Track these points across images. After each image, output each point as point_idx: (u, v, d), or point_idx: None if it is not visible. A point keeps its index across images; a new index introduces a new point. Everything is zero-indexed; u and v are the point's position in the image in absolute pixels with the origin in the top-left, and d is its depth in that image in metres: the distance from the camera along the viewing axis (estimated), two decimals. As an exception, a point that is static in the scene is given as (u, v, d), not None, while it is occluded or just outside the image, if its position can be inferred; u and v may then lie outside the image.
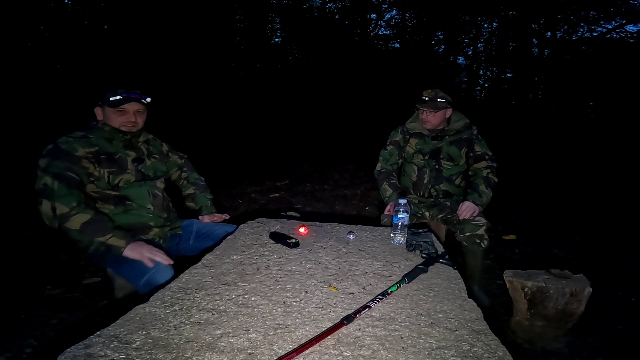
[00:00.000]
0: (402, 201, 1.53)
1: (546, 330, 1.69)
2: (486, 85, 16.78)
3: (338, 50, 13.07)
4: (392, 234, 1.58)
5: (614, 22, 12.60)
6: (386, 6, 15.05)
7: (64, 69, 8.40)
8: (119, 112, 1.55)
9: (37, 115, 6.19)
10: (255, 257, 1.37)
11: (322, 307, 1.04)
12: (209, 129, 7.74)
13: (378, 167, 2.27)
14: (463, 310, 1.06)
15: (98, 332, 0.89)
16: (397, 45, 15.45)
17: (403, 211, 1.53)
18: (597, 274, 2.20)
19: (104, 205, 1.50)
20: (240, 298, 1.08)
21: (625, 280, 2.42)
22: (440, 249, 1.53)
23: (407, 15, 14.92)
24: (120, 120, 1.55)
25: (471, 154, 2.14)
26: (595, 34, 13.17)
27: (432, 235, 1.65)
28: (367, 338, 0.90)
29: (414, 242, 1.53)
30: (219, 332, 0.91)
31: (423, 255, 1.43)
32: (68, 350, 0.82)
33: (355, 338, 0.90)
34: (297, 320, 0.97)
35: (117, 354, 0.81)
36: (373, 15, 15.00)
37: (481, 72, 16.71)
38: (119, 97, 1.54)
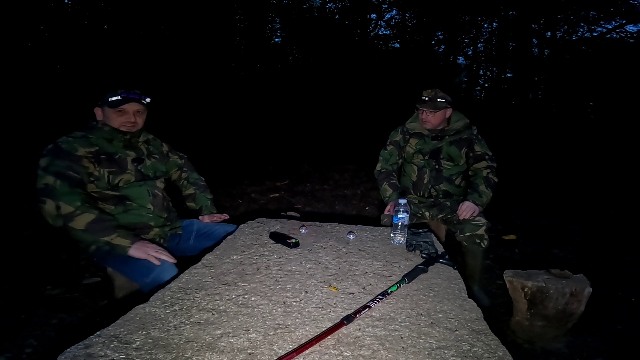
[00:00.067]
0: (402, 201, 1.53)
1: (546, 330, 1.69)
2: (486, 85, 16.80)
3: (338, 50, 13.07)
4: (392, 234, 1.58)
5: (614, 22, 12.63)
6: (386, 6, 15.07)
7: (64, 69, 8.40)
8: (119, 112, 1.55)
9: (37, 115, 6.19)
10: (255, 257, 1.37)
11: (322, 307, 1.04)
12: (209, 129, 7.75)
13: (378, 167, 2.27)
14: (463, 310, 1.06)
15: (98, 332, 0.89)
16: (397, 45, 15.48)
17: (403, 211, 1.53)
18: (597, 274, 2.20)
19: (104, 205, 1.51)
20: (240, 298, 1.08)
21: (625, 280, 2.42)
22: (440, 249, 1.53)
23: (407, 15, 14.93)
24: (119, 120, 1.55)
25: (471, 154, 2.14)
26: (595, 34, 13.19)
27: (432, 235, 1.65)
28: (367, 338, 0.90)
29: (414, 242, 1.53)
30: (219, 332, 0.91)
31: (423, 255, 1.43)
32: (68, 350, 0.82)
33: (355, 338, 0.90)
34: (297, 320, 0.97)
35: (117, 354, 0.81)
36: (373, 15, 15.03)
37: (481, 72, 16.74)
38: (118, 97, 1.54)
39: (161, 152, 1.79)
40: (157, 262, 1.39)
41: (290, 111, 10.38)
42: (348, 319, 0.96)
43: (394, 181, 2.17)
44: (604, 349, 1.72)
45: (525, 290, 1.63)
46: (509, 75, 15.74)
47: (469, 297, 1.15)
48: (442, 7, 13.38)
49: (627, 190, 4.92)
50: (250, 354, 0.82)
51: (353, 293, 1.13)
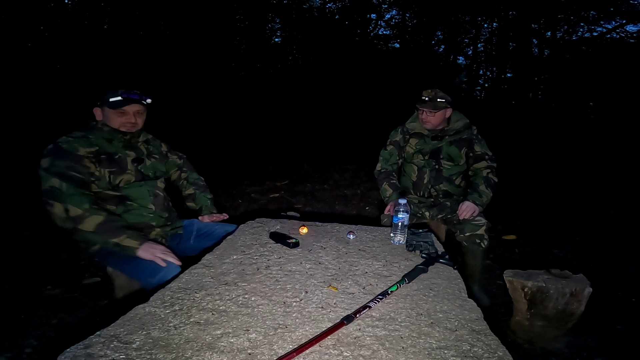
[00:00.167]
0: (402, 201, 1.53)
1: (546, 330, 1.69)
2: (486, 85, 16.80)
3: (338, 50, 13.07)
4: (392, 234, 1.58)
5: (614, 22, 12.62)
6: (386, 6, 15.06)
7: (64, 69, 8.40)
8: (119, 112, 1.55)
9: (37, 115, 6.19)
10: (255, 257, 1.37)
11: (322, 307, 1.04)
12: (209, 129, 7.75)
13: (378, 167, 2.27)
14: (463, 310, 1.06)
15: (98, 332, 0.89)
16: (397, 45, 15.47)
17: (403, 211, 1.53)
18: (597, 274, 2.20)
19: (105, 206, 1.51)
20: (240, 298, 1.08)
21: (625, 280, 2.42)
22: (440, 249, 1.53)
23: (407, 15, 14.93)
24: (120, 120, 1.55)
25: (471, 154, 2.14)
26: (595, 34, 13.19)
27: (432, 235, 1.65)
28: (367, 338, 0.90)
29: (414, 242, 1.53)
30: (219, 332, 0.91)
31: (423, 255, 1.43)
32: (68, 350, 0.82)
33: (355, 338, 0.90)
34: (297, 320, 0.97)
35: (117, 354, 0.81)
36: (373, 15, 15.03)
37: (481, 72, 16.74)
38: (118, 97, 1.54)
39: (161, 152, 1.79)
40: (163, 264, 1.40)
41: (290, 111, 10.38)
42: (348, 319, 0.96)
43: (394, 181, 2.17)
44: (604, 349, 1.72)
45: (525, 290, 1.63)
46: (509, 75, 15.75)
47: (469, 297, 1.15)
48: (442, 7, 13.38)
49: (627, 190, 4.92)
50: (250, 354, 0.82)
51: (353, 293, 1.14)
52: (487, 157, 2.10)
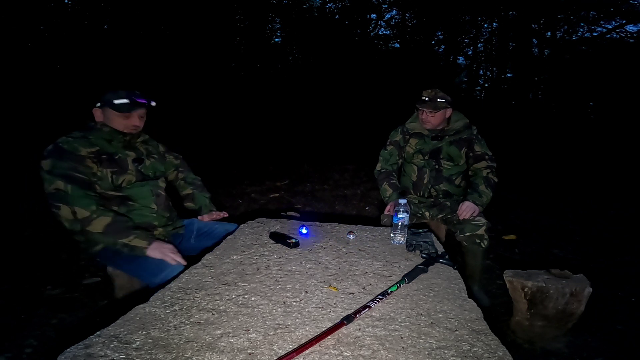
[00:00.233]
0: (402, 201, 1.53)
1: (546, 330, 1.69)
2: (486, 85, 16.80)
3: (338, 50, 13.07)
4: (392, 234, 1.58)
5: (614, 22, 12.62)
6: (386, 6, 15.06)
7: (64, 69, 8.40)
8: (124, 115, 1.53)
9: (37, 115, 6.19)
10: (255, 257, 1.37)
11: (322, 307, 1.04)
12: (209, 129, 7.75)
13: (378, 167, 2.27)
14: (463, 310, 1.06)
15: (98, 332, 0.89)
16: (397, 45, 15.47)
17: (403, 211, 1.53)
18: (597, 274, 2.21)
19: (108, 206, 1.50)
20: (240, 298, 1.08)
21: (625, 280, 2.42)
22: (440, 249, 1.53)
23: (407, 15, 14.93)
24: (124, 123, 1.55)
25: (471, 154, 2.14)
26: (595, 34, 13.19)
27: (432, 235, 1.65)
28: (367, 338, 0.90)
29: (414, 242, 1.53)
30: (219, 332, 0.91)
31: (423, 255, 1.43)
32: (68, 350, 0.82)
33: (355, 338, 0.90)
34: (297, 320, 0.97)
35: (117, 354, 0.81)
36: (373, 15, 15.02)
37: (481, 72, 16.74)
38: (125, 100, 1.52)
39: (159, 152, 1.79)
40: (174, 262, 1.41)
41: (290, 111, 10.38)
42: (348, 319, 0.96)
43: (394, 181, 2.17)
44: (604, 349, 1.72)
45: (525, 290, 1.63)
46: (509, 75, 15.76)
47: (469, 297, 1.15)
48: (442, 7, 13.38)
49: (627, 190, 4.92)
50: (250, 354, 0.82)
51: (353, 293, 1.13)
52: (487, 157, 2.10)
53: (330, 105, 11.17)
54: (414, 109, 2.21)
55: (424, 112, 2.10)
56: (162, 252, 1.42)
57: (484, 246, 1.97)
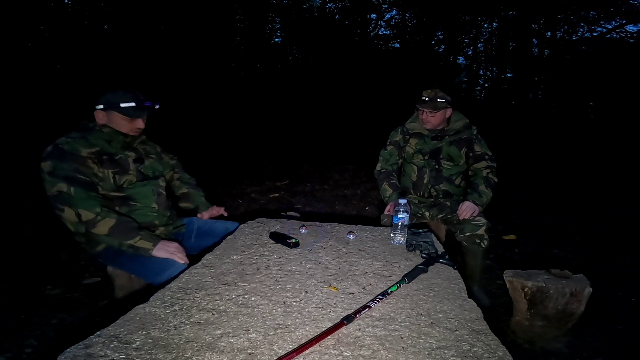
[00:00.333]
0: (402, 201, 1.53)
1: (546, 330, 1.69)
2: (486, 85, 16.79)
3: (338, 50, 13.07)
4: (392, 234, 1.58)
5: (614, 22, 12.61)
6: (386, 6, 15.06)
7: (64, 69, 8.40)
8: (130, 119, 1.53)
9: (37, 115, 6.19)
10: (255, 257, 1.37)
11: (322, 307, 1.04)
12: (209, 128, 7.75)
13: (378, 167, 2.27)
14: (463, 310, 1.06)
15: (98, 332, 0.89)
16: (397, 45, 15.47)
17: (403, 211, 1.53)
18: (597, 274, 2.21)
19: (110, 207, 1.50)
20: (240, 298, 1.08)
21: (625, 280, 2.42)
22: (440, 249, 1.53)
23: (407, 15, 14.93)
24: (129, 126, 1.54)
25: (471, 154, 2.14)
26: (595, 34, 13.18)
27: (432, 235, 1.65)
28: (367, 338, 0.90)
29: (414, 242, 1.53)
30: (219, 332, 0.91)
31: (423, 255, 1.43)
32: (68, 350, 0.82)
33: (355, 338, 0.90)
34: (297, 320, 0.97)
35: (117, 354, 0.81)
36: (373, 15, 15.02)
37: (481, 72, 16.73)
38: (132, 104, 1.50)
39: (157, 152, 1.79)
40: (181, 261, 1.42)
41: (290, 111, 10.38)
42: (348, 319, 0.96)
43: (394, 181, 2.17)
44: (604, 349, 1.72)
45: (525, 290, 1.63)
46: (509, 75, 15.75)
47: (469, 297, 1.15)
48: (442, 7, 13.38)
49: (627, 190, 4.92)
50: (250, 354, 0.82)
51: (353, 293, 1.14)
52: (487, 157, 2.10)
53: (330, 105, 11.17)
54: (414, 109, 2.21)
55: (424, 112, 2.10)
56: (168, 251, 1.43)
57: (484, 246, 1.97)
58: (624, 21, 12.37)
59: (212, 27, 10.77)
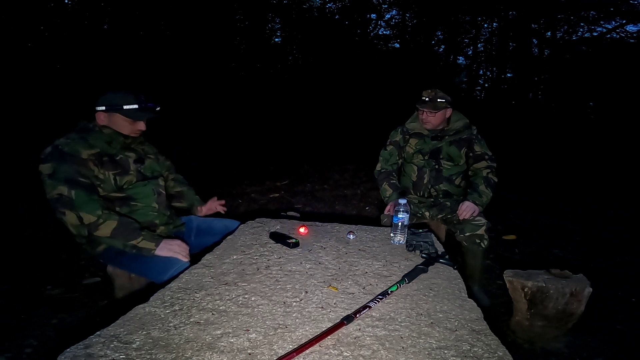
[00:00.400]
0: (402, 201, 1.53)
1: (546, 330, 1.69)
2: (486, 85, 16.79)
3: (338, 50, 13.07)
4: (392, 234, 1.58)
5: (614, 22, 12.61)
6: (386, 6, 15.06)
7: (64, 69, 8.40)
8: (132, 120, 1.53)
9: (37, 115, 6.19)
10: (255, 257, 1.37)
11: (322, 307, 1.04)
12: (209, 128, 7.75)
13: (378, 167, 2.27)
14: (463, 310, 1.06)
15: (98, 332, 0.89)
16: (397, 45, 15.47)
17: (403, 211, 1.53)
18: (597, 274, 2.20)
19: (110, 208, 1.50)
20: (240, 298, 1.08)
21: (625, 280, 2.42)
22: (440, 249, 1.53)
23: (407, 15, 14.92)
24: (131, 128, 1.54)
25: (471, 154, 2.14)
26: (595, 34, 13.18)
27: (432, 235, 1.66)
28: (367, 338, 0.90)
29: (414, 242, 1.53)
30: (219, 332, 0.91)
31: (423, 255, 1.43)
32: (68, 350, 0.82)
33: (355, 338, 0.90)
34: (297, 320, 0.97)
35: (117, 354, 0.81)
36: (373, 15, 15.02)
37: (481, 72, 16.73)
38: (135, 106, 1.50)
39: (154, 152, 1.80)
40: (185, 259, 1.43)
41: (290, 111, 10.38)
42: (348, 319, 0.96)
43: (394, 181, 2.17)
44: (604, 349, 1.72)
45: (525, 290, 1.63)
46: (509, 75, 15.75)
47: (469, 297, 1.15)
48: (442, 7, 13.38)
49: (627, 190, 4.91)
50: (250, 354, 0.82)
51: (353, 293, 1.14)
52: (487, 157, 2.10)
53: (330, 105, 11.17)
54: (414, 109, 2.21)
55: (424, 112, 2.10)
56: (170, 249, 1.44)
57: (484, 246, 1.97)
58: (624, 21, 12.37)
59: (212, 27, 10.78)
